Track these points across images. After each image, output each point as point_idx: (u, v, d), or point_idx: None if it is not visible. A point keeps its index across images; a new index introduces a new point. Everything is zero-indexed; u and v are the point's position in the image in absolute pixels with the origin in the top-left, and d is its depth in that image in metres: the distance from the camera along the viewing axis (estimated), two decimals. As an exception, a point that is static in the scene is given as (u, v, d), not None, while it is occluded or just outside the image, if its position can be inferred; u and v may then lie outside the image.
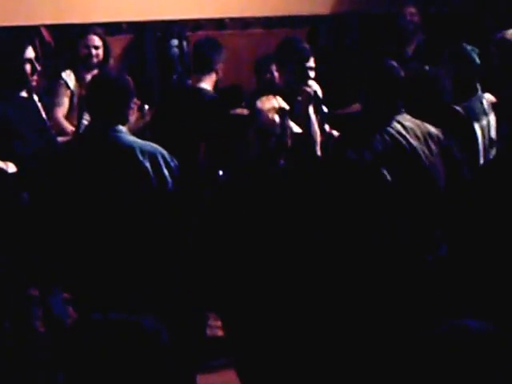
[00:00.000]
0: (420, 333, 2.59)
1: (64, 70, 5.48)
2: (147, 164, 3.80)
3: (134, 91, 3.93)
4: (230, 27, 6.59)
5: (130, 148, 3.81)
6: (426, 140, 3.87)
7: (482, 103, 4.68)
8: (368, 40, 6.75)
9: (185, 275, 3.98)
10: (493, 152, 4.56)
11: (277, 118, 3.76)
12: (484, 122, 4.63)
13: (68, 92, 5.42)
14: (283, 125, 3.78)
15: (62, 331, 4.44)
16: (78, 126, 5.29)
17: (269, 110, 3.77)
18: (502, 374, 2.14)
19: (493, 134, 4.64)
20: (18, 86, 4.47)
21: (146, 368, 2.24)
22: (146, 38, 6.34)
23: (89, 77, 5.48)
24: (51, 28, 5.88)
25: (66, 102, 5.42)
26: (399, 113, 3.89)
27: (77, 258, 3.89)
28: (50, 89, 5.42)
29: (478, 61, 4.68)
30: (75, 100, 5.43)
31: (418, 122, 3.91)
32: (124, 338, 2.26)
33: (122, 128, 3.84)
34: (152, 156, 3.83)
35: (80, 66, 5.51)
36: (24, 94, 4.50)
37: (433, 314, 3.19)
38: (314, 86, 4.88)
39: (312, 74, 4.85)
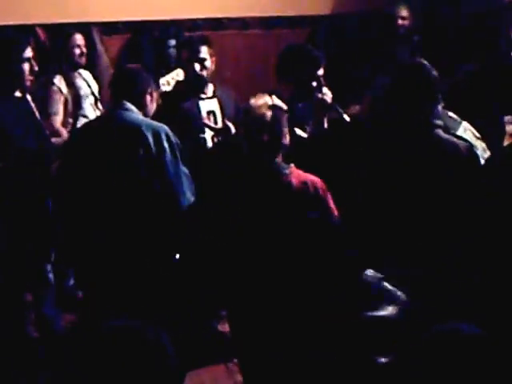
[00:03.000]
0: (411, 336, 2.58)
1: (54, 74, 5.42)
2: (150, 139, 4.00)
3: (150, 82, 4.21)
4: (229, 27, 6.57)
5: (136, 125, 4.02)
6: None
7: (449, 116, 4.63)
8: (368, 40, 6.71)
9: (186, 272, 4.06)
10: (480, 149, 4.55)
11: (268, 114, 3.73)
12: (461, 129, 4.56)
13: (62, 98, 5.39)
14: (275, 122, 3.75)
15: (54, 336, 4.44)
16: (73, 127, 5.25)
17: (260, 107, 3.76)
18: (491, 377, 2.14)
19: (476, 133, 4.61)
20: (14, 85, 4.43)
21: (146, 372, 2.21)
22: (143, 37, 6.31)
23: (76, 76, 5.45)
24: (46, 28, 5.84)
25: (61, 109, 5.40)
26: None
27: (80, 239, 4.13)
28: (44, 96, 5.35)
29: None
30: (69, 104, 5.39)
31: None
32: (124, 345, 2.24)
33: (132, 107, 4.07)
34: (156, 132, 4.03)
35: (66, 66, 5.48)
36: (18, 93, 4.45)
37: (422, 317, 3.15)
38: (329, 94, 4.75)
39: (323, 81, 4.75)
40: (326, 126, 4.49)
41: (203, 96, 4.95)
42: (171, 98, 5.00)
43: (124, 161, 4.01)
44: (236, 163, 3.91)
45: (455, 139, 4.01)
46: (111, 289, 3.97)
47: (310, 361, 3.81)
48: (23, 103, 4.51)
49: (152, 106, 4.17)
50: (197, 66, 4.90)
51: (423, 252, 3.68)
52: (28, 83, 4.41)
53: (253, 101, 3.81)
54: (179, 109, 4.82)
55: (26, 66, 4.37)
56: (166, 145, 4.01)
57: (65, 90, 5.38)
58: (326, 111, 4.46)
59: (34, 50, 4.51)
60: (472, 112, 4.72)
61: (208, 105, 4.94)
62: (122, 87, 4.15)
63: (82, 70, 5.57)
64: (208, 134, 4.87)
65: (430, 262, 3.64)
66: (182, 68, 5.21)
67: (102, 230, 4.05)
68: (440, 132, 3.94)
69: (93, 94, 5.53)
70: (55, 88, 5.35)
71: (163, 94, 5.05)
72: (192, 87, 4.91)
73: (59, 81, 5.37)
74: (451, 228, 3.69)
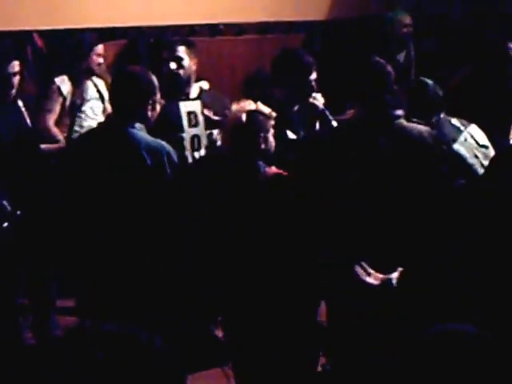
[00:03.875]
0: (409, 336, 2.60)
1: (57, 75, 5.45)
2: (149, 161, 3.89)
3: (156, 89, 3.99)
4: (225, 33, 6.58)
5: (136, 144, 3.89)
6: None
7: (451, 123, 4.67)
8: (363, 46, 6.74)
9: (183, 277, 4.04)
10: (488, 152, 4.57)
11: (243, 118, 3.83)
12: (462, 139, 4.61)
13: (60, 99, 5.39)
14: (251, 126, 3.83)
15: (52, 341, 4.46)
16: (69, 132, 5.27)
17: (238, 111, 3.88)
18: (490, 377, 2.15)
19: (481, 140, 4.63)
20: (3, 96, 4.58)
21: (140, 378, 2.22)
22: (140, 43, 6.32)
23: (89, 83, 5.48)
24: (43, 33, 5.86)
25: (57, 108, 5.38)
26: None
27: (78, 249, 4.05)
28: (42, 94, 5.39)
29: (437, 92, 4.71)
30: (67, 107, 5.40)
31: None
32: (118, 349, 2.26)
33: (138, 125, 3.93)
34: (157, 153, 3.90)
35: (79, 71, 5.48)
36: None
37: (421, 317, 3.18)
38: (321, 100, 4.80)
39: (315, 86, 4.79)
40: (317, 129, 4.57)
41: (184, 97, 4.92)
42: None
43: (121, 181, 3.92)
44: (219, 166, 4.00)
45: (420, 126, 4.07)
46: (109, 294, 3.97)
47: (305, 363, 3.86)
48: (12, 107, 4.66)
49: (153, 114, 4.04)
50: (173, 65, 4.87)
51: (400, 247, 3.73)
52: (14, 92, 4.58)
53: (233, 106, 3.94)
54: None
55: (15, 80, 4.57)
56: (166, 165, 3.92)
57: (65, 90, 5.39)
58: (316, 116, 4.53)
59: (31, 55, 4.58)
60: (475, 114, 4.78)
61: (190, 106, 4.92)
62: (119, 95, 4.03)
63: (95, 78, 5.58)
64: (187, 134, 4.87)
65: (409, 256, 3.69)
66: (160, 68, 5.06)
67: (100, 236, 3.99)
68: (402, 121, 4.01)
69: (102, 101, 5.53)
70: (54, 87, 5.36)
71: None
72: (169, 86, 4.83)
73: (61, 81, 5.40)
74: (424, 218, 3.75)
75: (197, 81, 5.07)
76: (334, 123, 4.62)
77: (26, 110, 4.85)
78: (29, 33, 5.78)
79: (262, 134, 3.88)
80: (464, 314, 3.21)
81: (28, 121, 4.78)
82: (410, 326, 3.25)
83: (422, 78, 4.84)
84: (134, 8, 6.22)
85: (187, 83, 4.93)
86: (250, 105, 3.91)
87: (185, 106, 4.91)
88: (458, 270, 3.54)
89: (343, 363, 3.75)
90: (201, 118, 4.92)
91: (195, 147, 4.88)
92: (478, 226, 3.57)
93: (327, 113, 4.66)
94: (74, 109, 5.38)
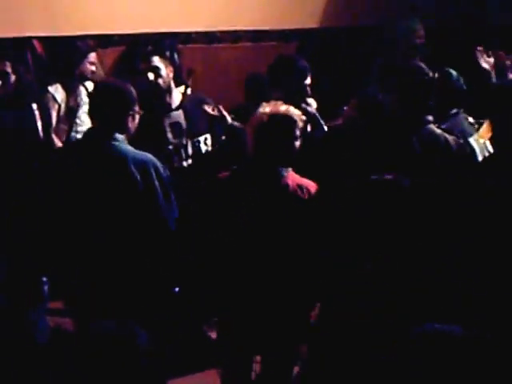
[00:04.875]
0: (393, 336, 2.64)
1: (55, 82, 5.52)
2: (137, 175, 3.84)
3: (135, 100, 3.96)
4: (220, 40, 6.66)
5: (123, 158, 3.85)
6: None
7: (468, 121, 4.78)
8: (357, 54, 6.82)
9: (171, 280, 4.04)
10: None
11: (265, 120, 3.77)
12: (476, 136, 4.71)
13: (56, 106, 5.44)
14: (276, 130, 3.79)
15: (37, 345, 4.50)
16: (67, 139, 5.33)
17: (262, 114, 3.80)
18: (473, 376, 2.19)
19: (489, 147, 4.73)
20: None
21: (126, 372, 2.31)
22: (137, 50, 6.37)
23: (81, 88, 5.55)
24: (43, 40, 5.92)
25: (54, 115, 5.44)
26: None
27: (67, 261, 3.98)
28: (38, 103, 5.41)
29: (461, 84, 4.80)
30: (62, 114, 5.48)
31: None
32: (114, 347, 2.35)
33: (120, 136, 3.89)
34: (144, 166, 3.86)
35: (77, 80, 5.56)
36: None
37: (406, 317, 3.23)
38: (313, 104, 4.88)
39: (309, 91, 4.87)
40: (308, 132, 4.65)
41: (167, 108, 4.97)
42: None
43: (109, 194, 3.86)
44: (239, 164, 3.93)
45: (446, 134, 4.28)
46: (103, 297, 3.95)
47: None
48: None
49: (133, 126, 3.98)
50: (150, 75, 4.88)
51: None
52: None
53: (261, 108, 3.83)
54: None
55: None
56: (154, 178, 3.87)
57: (59, 98, 5.45)
58: (308, 120, 4.62)
59: (30, 61, 4.65)
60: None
61: (173, 117, 4.96)
62: (102, 108, 3.96)
63: (88, 83, 5.59)
64: (173, 146, 4.91)
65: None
66: (138, 80, 5.02)
67: (90, 252, 3.94)
68: (432, 126, 4.25)
69: None
70: (49, 95, 5.42)
71: None
72: (150, 98, 4.84)
73: (55, 89, 5.45)
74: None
75: (177, 85, 5.11)
76: (325, 128, 4.72)
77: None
78: (29, 39, 5.85)
79: (285, 138, 3.77)
80: (460, 314, 3.29)
81: (39, 124, 4.81)
82: (403, 324, 3.29)
83: (447, 68, 4.89)
84: (132, 15, 6.28)
85: (167, 92, 4.96)
86: (277, 106, 3.82)
87: (168, 118, 4.94)
88: (458, 269, 3.62)
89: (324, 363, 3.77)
90: (185, 128, 4.96)
91: (183, 157, 4.93)
92: (477, 225, 3.67)
93: (319, 117, 4.75)
94: (71, 115, 5.45)
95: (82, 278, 3.97)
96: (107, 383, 2.33)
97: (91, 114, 4.04)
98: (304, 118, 3.91)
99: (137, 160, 3.86)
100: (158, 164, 3.92)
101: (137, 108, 3.96)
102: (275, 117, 3.76)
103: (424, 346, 2.25)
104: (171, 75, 4.99)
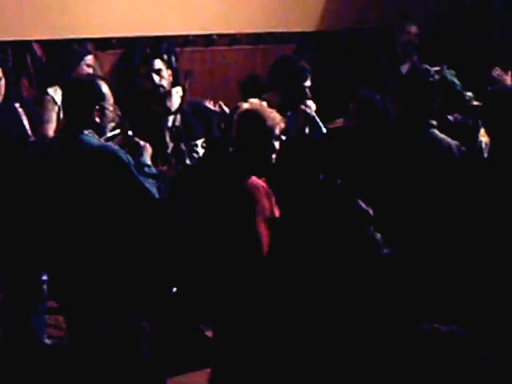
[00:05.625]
0: (390, 336, 2.65)
1: (54, 84, 5.54)
2: (106, 165, 3.88)
3: (103, 95, 3.97)
4: (218, 43, 6.67)
5: (92, 149, 3.89)
6: None
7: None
8: (355, 56, 6.85)
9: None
10: None
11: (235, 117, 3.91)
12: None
13: (56, 107, 5.46)
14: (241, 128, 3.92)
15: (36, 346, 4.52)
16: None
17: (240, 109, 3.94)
18: (469, 377, 2.18)
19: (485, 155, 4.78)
20: None
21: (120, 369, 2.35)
22: (135, 53, 6.39)
23: None
24: (43, 43, 5.93)
25: (54, 117, 5.43)
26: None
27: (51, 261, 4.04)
28: (37, 105, 5.43)
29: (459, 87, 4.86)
30: (61, 113, 5.49)
31: None
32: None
33: (89, 131, 3.91)
34: (111, 156, 3.90)
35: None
36: None
37: (403, 317, 3.25)
38: (313, 106, 4.91)
39: (309, 93, 4.90)
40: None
41: (166, 112, 5.01)
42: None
43: (81, 187, 3.90)
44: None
45: (449, 139, 4.32)
46: (100, 293, 3.97)
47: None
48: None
49: (104, 121, 3.99)
50: (156, 78, 4.95)
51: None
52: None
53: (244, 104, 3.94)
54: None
55: None
56: (116, 163, 3.89)
57: (58, 99, 5.46)
58: (306, 122, 4.65)
59: (30, 65, 4.66)
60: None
61: (172, 120, 5.00)
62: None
63: None
64: (171, 149, 4.94)
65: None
66: (141, 84, 5.13)
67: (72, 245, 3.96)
68: (435, 131, 4.28)
69: None
70: (48, 97, 5.41)
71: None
72: (151, 101, 4.89)
73: (54, 91, 5.48)
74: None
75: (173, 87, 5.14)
76: (324, 130, 4.75)
77: (26, 114, 4.96)
78: (28, 42, 5.86)
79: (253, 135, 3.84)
80: (455, 315, 3.31)
81: (26, 123, 4.85)
82: (399, 325, 3.32)
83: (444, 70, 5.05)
84: (130, 19, 6.28)
85: (169, 94, 5.03)
86: (253, 105, 3.91)
87: (167, 122, 4.98)
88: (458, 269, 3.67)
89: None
90: (182, 131, 5.00)
91: (181, 160, 4.96)
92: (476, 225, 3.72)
93: (317, 119, 4.78)
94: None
95: (69, 276, 4.00)
96: (112, 379, 2.35)
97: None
98: (282, 122, 3.93)
99: (104, 150, 3.90)
100: (123, 153, 3.94)
101: (107, 103, 3.97)
102: (246, 112, 3.84)
103: (421, 346, 2.25)
104: (171, 79, 5.04)
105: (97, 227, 3.90)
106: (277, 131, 3.87)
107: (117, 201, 3.90)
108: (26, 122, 4.88)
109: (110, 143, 4.01)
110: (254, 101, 3.99)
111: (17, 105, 4.84)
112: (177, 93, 5.15)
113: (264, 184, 3.90)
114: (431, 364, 2.20)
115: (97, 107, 3.93)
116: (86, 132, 3.91)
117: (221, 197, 3.88)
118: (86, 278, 3.91)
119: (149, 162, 4.13)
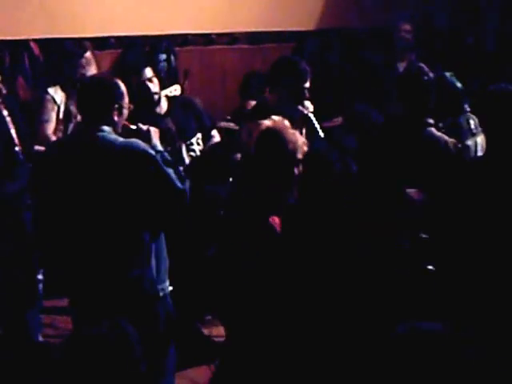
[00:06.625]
0: (379, 335, 2.65)
1: (52, 84, 5.54)
2: (126, 161, 3.83)
3: (121, 94, 3.96)
4: (217, 42, 6.69)
5: (111, 146, 3.86)
6: None
7: (468, 123, 4.79)
8: (353, 56, 6.85)
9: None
10: None
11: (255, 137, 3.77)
12: (470, 142, 4.74)
13: (55, 107, 5.46)
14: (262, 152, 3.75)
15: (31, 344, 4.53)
16: (64, 134, 5.36)
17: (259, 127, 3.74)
18: (456, 374, 2.20)
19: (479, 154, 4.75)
20: None
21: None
22: (134, 52, 6.39)
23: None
24: (40, 42, 5.94)
25: (53, 117, 5.44)
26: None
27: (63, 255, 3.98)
28: (38, 105, 5.45)
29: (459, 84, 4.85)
30: (61, 115, 5.50)
31: None
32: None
33: (106, 128, 3.89)
34: (133, 153, 3.86)
35: (69, 79, 5.57)
36: None
37: (391, 315, 3.25)
38: (310, 108, 4.91)
39: (307, 94, 4.90)
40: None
41: (157, 117, 4.98)
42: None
43: (100, 184, 3.85)
44: None
45: (446, 137, 4.35)
46: (97, 292, 3.92)
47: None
48: None
49: (120, 120, 3.97)
50: (151, 85, 5.01)
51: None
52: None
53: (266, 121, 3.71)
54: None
55: None
56: (145, 161, 3.85)
57: (58, 99, 5.46)
58: (304, 122, 4.65)
59: (28, 64, 4.66)
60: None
61: (162, 124, 4.85)
62: (87, 102, 3.99)
63: None
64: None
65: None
66: (134, 92, 5.15)
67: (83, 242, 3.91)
68: (432, 129, 4.32)
69: None
70: (48, 97, 5.41)
71: None
72: (142, 107, 4.81)
73: (54, 91, 5.48)
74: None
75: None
76: (321, 132, 4.74)
77: (22, 117, 4.95)
78: (26, 41, 5.87)
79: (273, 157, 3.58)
80: (441, 312, 3.31)
81: (13, 132, 4.85)
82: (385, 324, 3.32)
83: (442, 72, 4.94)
84: (129, 18, 6.30)
85: (159, 102, 5.08)
86: (275, 123, 3.63)
87: (159, 126, 4.90)
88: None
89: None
90: (175, 132, 5.00)
91: (178, 162, 4.85)
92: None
93: (314, 121, 4.77)
94: (68, 116, 5.48)
95: (78, 273, 3.96)
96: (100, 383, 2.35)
97: (79, 108, 4.11)
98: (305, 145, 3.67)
99: (125, 147, 3.86)
100: (148, 150, 3.90)
101: (124, 103, 3.97)
102: (268, 131, 3.61)
103: (406, 345, 2.26)
104: (158, 86, 5.09)
105: (124, 225, 3.87)
106: (299, 155, 3.59)
107: (145, 196, 3.87)
108: (12, 131, 4.86)
109: (133, 139, 3.96)
110: (277, 118, 3.78)
111: (5, 113, 4.82)
112: (175, 90, 5.16)
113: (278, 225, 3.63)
114: (416, 363, 2.23)
115: (116, 106, 3.93)
116: (105, 128, 3.89)
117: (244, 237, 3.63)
118: (112, 277, 3.89)
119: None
